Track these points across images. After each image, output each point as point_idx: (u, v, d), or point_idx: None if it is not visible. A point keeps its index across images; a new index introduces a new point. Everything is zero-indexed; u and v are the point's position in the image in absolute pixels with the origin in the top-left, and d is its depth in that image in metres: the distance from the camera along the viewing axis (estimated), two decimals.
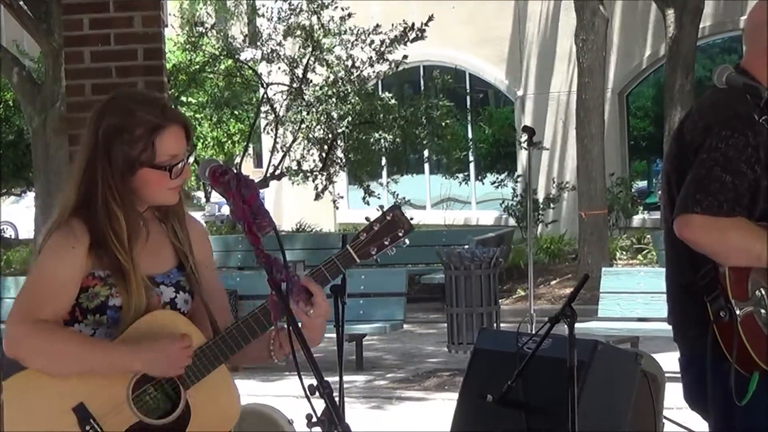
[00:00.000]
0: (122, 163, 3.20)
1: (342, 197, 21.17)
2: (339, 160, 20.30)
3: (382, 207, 3.30)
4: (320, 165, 20.09)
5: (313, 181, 20.12)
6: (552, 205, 19.45)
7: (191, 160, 3.30)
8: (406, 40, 18.97)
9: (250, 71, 20.88)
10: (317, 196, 20.05)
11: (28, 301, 3.19)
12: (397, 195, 20.66)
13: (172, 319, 3.23)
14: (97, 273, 3.20)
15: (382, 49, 19.13)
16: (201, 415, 3.18)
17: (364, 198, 20.44)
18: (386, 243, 3.25)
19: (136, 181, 3.22)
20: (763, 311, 3.50)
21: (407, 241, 3.27)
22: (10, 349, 3.14)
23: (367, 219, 3.27)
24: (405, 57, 19.13)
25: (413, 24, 18.84)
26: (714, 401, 3.58)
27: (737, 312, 3.45)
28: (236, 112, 22.87)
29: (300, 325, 3.18)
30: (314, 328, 3.23)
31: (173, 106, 3.37)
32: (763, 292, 3.52)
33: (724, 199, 3.46)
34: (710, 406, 3.61)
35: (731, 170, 3.48)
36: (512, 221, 20.23)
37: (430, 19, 18.63)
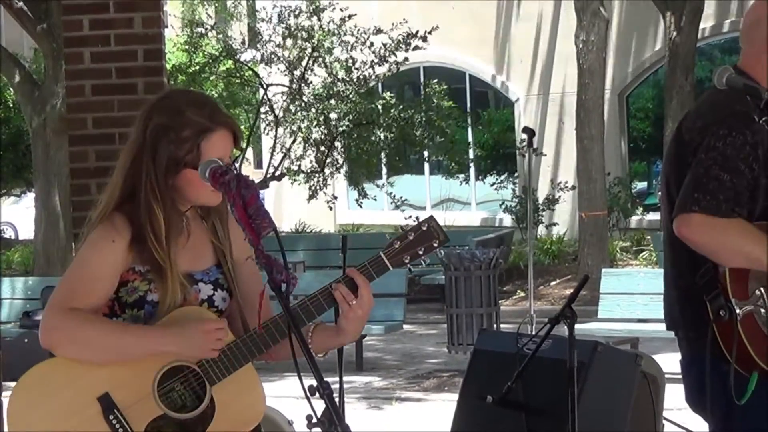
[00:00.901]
0: (167, 162, 3.20)
1: (337, 198, 21.15)
2: (336, 162, 20.29)
3: (418, 218, 3.30)
4: (317, 166, 20.08)
5: (308, 181, 20.10)
6: (552, 207, 19.45)
7: (237, 163, 3.30)
8: (408, 48, 18.95)
9: (250, 72, 20.88)
10: (311, 197, 20.03)
11: (64, 292, 3.20)
12: (394, 195, 20.65)
13: (201, 317, 3.23)
14: (137, 268, 3.21)
15: (383, 53, 19.13)
16: (225, 411, 3.18)
17: (357, 200, 20.44)
18: (420, 252, 3.25)
19: (179, 181, 3.22)
20: (762, 310, 3.50)
21: (442, 252, 3.31)
22: (45, 339, 3.16)
23: (402, 228, 3.29)
24: (405, 59, 19.13)
25: (417, 32, 18.82)
26: (713, 402, 3.58)
27: (737, 311, 3.45)
28: (235, 112, 22.84)
29: (340, 314, 3.24)
30: (354, 319, 3.24)
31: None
32: (763, 291, 3.51)
33: (723, 198, 3.46)
34: (709, 407, 3.61)
35: (729, 169, 3.48)
36: (512, 222, 20.23)
37: (434, 28, 18.62)
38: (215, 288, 3.30)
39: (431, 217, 3.31)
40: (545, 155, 20.34)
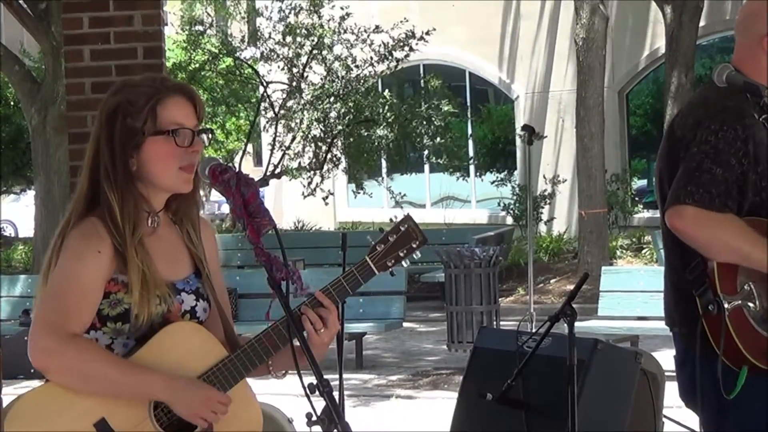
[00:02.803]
0: (126, 137, 3.10)
1: (332, 194, 21.09)
2: (335, 159, 20.28)
3: (394, 218, 3.20)
4: (316, 163, 20.07)
5: (309, 179, 20.09)
6: (548, 201, 19.46)
7: (205, 139, 3.18)
8: (408, 48, 18.95)
9: (250, 70, 20.87)
10: (310, 194, 20.00)
11: (55, 310, 3.06)
12: (394, 192, 20.61)
13: (198, 335, 3.14)
14: (120, 278, 3.10)
15: (383, 51, 19.13)
16: (223, 429, 3.10)
17: (355, 193, 20.42)
18: (401, 255, 3.17)
19: (141, 157, 3.11)
20: (751, 305, 3.52)
21: (419, 254, 3.19)
22: (39, 362, 3.04)
23: (381, 230, 3.19)
24: (406, 56, 19.13)
25: (413, 32, 18.84)
26: (705, 399, 3.59)
27: (725, 306, 3.47)
28: (236, 108, 22.83)
29: (307, 339, 3.13)
30: (321, 345, 3.16)
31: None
32: (752, 285, 3.53)
33: (716, 192, 3.49)
34: (701, 404, 3.62)
35: (721, 162, 3.51)
36: (511, 220, 20.23)
37: (431, 31, 18.63)
38: (197, 298, 3.21)
39: (408, 216, 3.21)
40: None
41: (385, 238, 3.17)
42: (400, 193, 20.35)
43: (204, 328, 3.18)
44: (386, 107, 19.52)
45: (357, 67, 19.43)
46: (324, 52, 19.50)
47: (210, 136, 3.22)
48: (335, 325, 3.15)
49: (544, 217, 19.72)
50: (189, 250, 3.24)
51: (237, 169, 3.05)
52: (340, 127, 19.60)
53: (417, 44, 18.86)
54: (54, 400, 3.07)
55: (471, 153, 22.53)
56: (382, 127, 19.55)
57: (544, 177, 19.91)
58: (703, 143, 3.53)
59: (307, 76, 19.68)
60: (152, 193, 3.18)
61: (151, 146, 3.12)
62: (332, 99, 19.39)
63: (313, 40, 19.44)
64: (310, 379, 2.87)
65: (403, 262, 3.18)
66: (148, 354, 3.09)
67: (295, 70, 19.67)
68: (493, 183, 21.92)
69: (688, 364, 3.68)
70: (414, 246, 3.17)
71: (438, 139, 19.81)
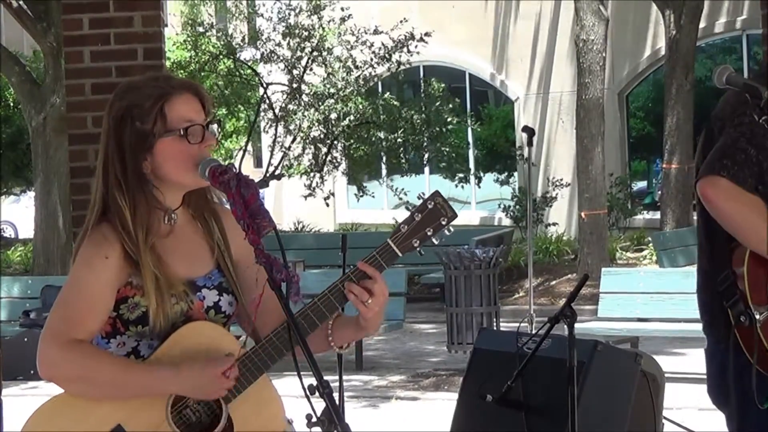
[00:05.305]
0: (136, 141, 3.07)
1: (333, 194, 21.08)
2: (334, 161, 20.27)
3: (422, 194, 3.09)
4: (316, 165, 20.07)
5: (308, 178, 20.09)
6: (550, 204, 19.47)
7: (215, 130, 3.14)
8: (406, 50, 18.97)
9: (250, 71, 20.87)
10: (309, 194, 20.00)
11: (62, 319, 3.04)
12: (396, 188, 20.57)
13: (213, 332, 3.10)
14: (135, 281, 3.06)
15: (383, 54, 19.16)
16: (244, 428, 3.07)
17: (356, 195, 20.41)
18: (429, 233, 3.05)
19: (156, 159, 3.08)
20: None
21: (451, 229, 3.07)
22: (45, 371, 3.03)
23: (407, 208, 3.09)
24: (408, 62, 19.15)
25: (412, 34, 18.87)
26: (734, 398, 3.59)
27: (757, 317, 3.46)
28: (236, 109, 22.83)
29: (359, 314, 3.09)
30: (371, 317, 3.09)
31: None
32: None
33: (749, 173, 3.49)
34: (731, 401, 3.62)
35: (756, 144, 3.52)
36: (512, 221, 20.24)
37: (429, 33, 18.65)
38: (220, 293, 3.16)
39: (436, 192, 3.09)
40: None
41: (410, 218, 3.06)
42: (402, 189, 20.29)
43: (219, 327, 3.13)
44: (389, 110, 19.52)
45: (357, 68, 19.43)
46: (324, 54, 19.50)
47: (219, 126, 3.20)
48: (383, 293, 3.06)
49: (545, 219, 19.73)
50: (210, 244, 3.19)
51: (237, 170, 3.01)
52: (340, 129, 19.60)
53: (416, 47, 18.85)
54: (68, 411, 3.03)
55: (471, 155, 22.51)
56: (383, 129, 19.55)
57: (548, 179, 19.92)
58: (741, 125, 3.54)
59: (306, 78, 19.69)
60: (166, 191, 3.14)
61: (163, 147, 3.08)
62: (332, 100, 19.39)
63: (313, 42, 19.44)
64: (310, 380, 2.87)
65: (432, 241, 3.08)
66: (160, 358, 3.05)
67: (295, 71, 19.67)
68: (496, 181, 21.93)
69: (716, 359, 3.69)
70: (443, 223, 3.06)
71: (437, 144, 19.81)
